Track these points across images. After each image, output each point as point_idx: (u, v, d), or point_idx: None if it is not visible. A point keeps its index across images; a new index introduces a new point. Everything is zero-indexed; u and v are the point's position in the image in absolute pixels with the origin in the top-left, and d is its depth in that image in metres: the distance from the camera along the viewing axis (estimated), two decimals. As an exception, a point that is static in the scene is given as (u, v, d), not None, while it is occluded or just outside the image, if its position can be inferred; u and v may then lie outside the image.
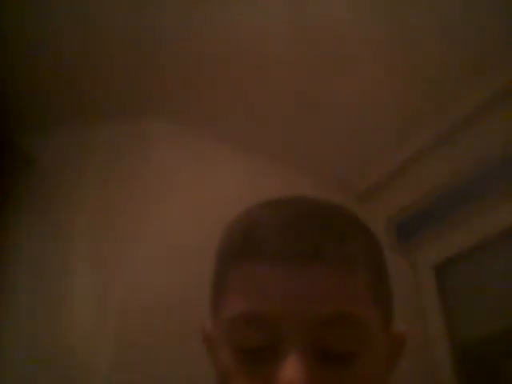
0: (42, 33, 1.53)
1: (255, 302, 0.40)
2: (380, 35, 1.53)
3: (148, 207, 1.66)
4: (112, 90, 1.73)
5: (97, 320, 1.46)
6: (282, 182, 1.89)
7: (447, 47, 1.58)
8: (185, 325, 1.33)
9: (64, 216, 1.66)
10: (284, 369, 0.37)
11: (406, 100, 1.77)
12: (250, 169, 1.96)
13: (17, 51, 1.58)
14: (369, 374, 0.40)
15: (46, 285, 1.54)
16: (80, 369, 1.38)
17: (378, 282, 0.44)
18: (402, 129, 1.91)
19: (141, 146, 1.79)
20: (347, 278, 0.41)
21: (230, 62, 1.64)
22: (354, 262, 0.41)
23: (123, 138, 1.80)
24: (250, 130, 1.92)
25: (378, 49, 1.57)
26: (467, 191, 1.72)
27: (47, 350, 1.42)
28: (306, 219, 0.42)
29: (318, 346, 0.39)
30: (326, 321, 0.39)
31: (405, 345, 0.49)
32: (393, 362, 0.48)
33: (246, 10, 1.47)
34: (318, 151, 2.02)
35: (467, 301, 1.68)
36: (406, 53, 1.60)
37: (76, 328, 1.45)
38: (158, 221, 1.65)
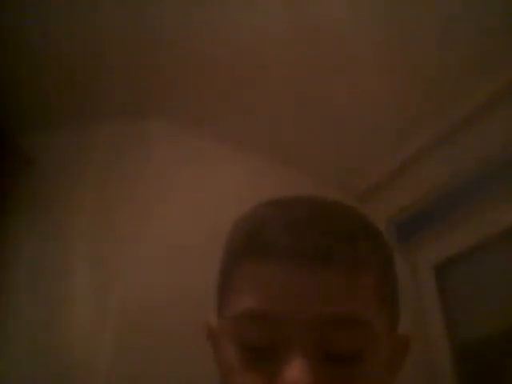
0: (42, 33, 1.53)
1: (262, 300, 0.40)
2: (380, 35, 1.53)
3: (148, 207, 1.66)
4: (112, 90, 1.73)
5: (97, 320, 1.46)
6: (282, 182, 1.89)
7: (447, 47, 1.58)
8: (185, 325, 1.34)
9: (64, 216, 1.65)
10: (289, 370, 0.37)
11: (406, 100, 1.76)
12: (250, 169, 1.96)
13: (17, 51, 1.57)
14: (373, 375, 0.40)
15: (46, 285, 1.54)
16: (80, 369, 1.38)
17: (385, 284, 0.44)
18: (401, 129, 1.91)
19: (141, 146, 1.79)
20: (355, 279, 0.40)
21: (230, 61, 1.64)
22: (362, 264, 0.41)
23: (123, 138, 1.80)
24: (249, 130, 1.92)
25: (378, 49, 1.57)
26: (467, 191, 1.72)
27: (47, 349, 1.42)
28: (312, 221, 0.42)
29: (324, 347, 0.39)
30: (333, 322, 0.39)
31: (409, 347, 0.50)
32: (397, 365, 0.48)
33: (245, 10, 1.47)
34: (318, 151, 2.01)
35: (467, 301, 1.68)
36: (406, 53, 1.60)
37: (76, 328, 1.45)
38: (158, 221, 1.65)
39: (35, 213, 1.67)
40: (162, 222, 1.66)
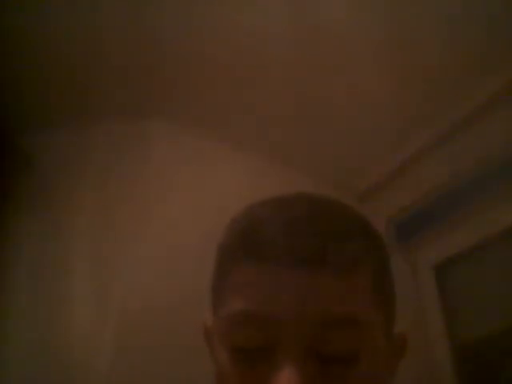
0: (43, 33, 1.53)
1: (256, 302, 0.39)
2: (380, 35, 1.53)
3: (148, 207, 1.66)
4: (112, 90, 1.73)
5: (97, 320, 1.46)
6: (282, 181, 1.89)
7: (447, 47, 1.58)
8: (184, 325, 1.34)
9: (64, 216, 1.65)
10: (279, 373, 0.36)
11: (406, 100, 1.76)
12: (250, 169, 1.96)
13: (17, 51, 1.57)
14: (370, 376, 0.40)
15: (46, 285, 1.54)
16: (80, 369, 1.38)
17: (381, 285, 0.43)
18: (401, 129, 1.91)
19: (141, 146, 1.79)
20: (349, 280, 0.40)
21: (230, 61, 1.64)
22: (356, 264, 0.41)
23: (123, 138, 1.80)
24: (250, 129, 1.92)
25: (378, 49, 1.57)
26: (467, 191, 1.72)
27: (47, 350, 1.42)
28: (308, 220, 0.41)
29: (318, 349, 0.38)
30: (327, 323, 0.38)
31: (406, 347, 0.49)
32: (394, 365, 0.48)
33: (245, 9, 1.47)
34: (318, 151, 2.02)
35: (467, 301, 1.68)
36: (406, 53, 1.60)
37: (76, 328, 1.45)
38: (158, 221, 1.65)
39: (35, 213, 1.67)
40: (161, 221, 1.66)
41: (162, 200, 1.70)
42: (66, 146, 1.80)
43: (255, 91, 1.75)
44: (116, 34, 1.54)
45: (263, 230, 0.41)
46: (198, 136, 1.89)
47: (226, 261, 0.44)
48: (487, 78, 1.67)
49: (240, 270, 0.42)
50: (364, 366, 0.39)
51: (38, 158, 1.71)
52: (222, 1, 1.45)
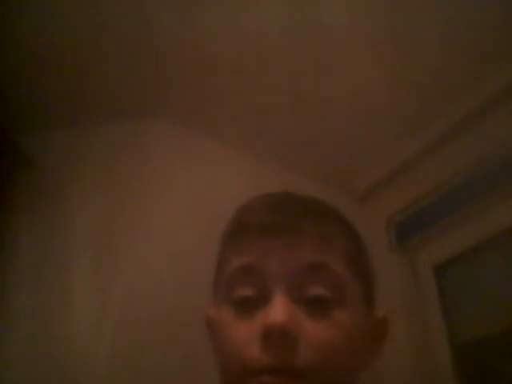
0: (43, 33, 1.53)
1: (248, 258, 0.48)
2: (380, 35, 1.53)
3: (148, 207, 1.66)
4: (112, 91, 1.73)
5: (97, 320, 1.46)
6: (282, 182, 1.89)
7: (447, 47, 1.58)
8: (184, 324, 1.34)
9: (64, 216, 1.65)
10: (271, 309, 0.44)
11: (406, 100, 1.76)
12: (250, 169, 1.96)
13: (17, 51, 1.57)
14: (343, 328, 0.46)
15: (46, 285, 1.54)
16: (80, 369, 1.38)
17: (355, 261, 0.51)
18: (401, 129, 1.91)
19: (140, 146, 1.79)
20: (327, 244, 0.49)
21: (230, 62, 1.64)
22: (330, 238, 0.49)
23: (123, 138, 1.80)
24: (250, 130, 1.92)
25: (378, 49, 1.57)
26: (467, 191, 1.72)
27: (47, 350, 1.42)
28: (290, 203, 0.52)
29: (302, 294, 0.46)
30: (305, 269, 0.47)
31: (388, 329, 0.54)
32: (376, 346, 0.53)
33: (245, 9, 1.47)
34: (318, 151, 2.02)
35: (467, 301, 1.68)
36: (406, 53, 1.60)
37: (76, 328, 1.45)
38: (158, 221, 1.65)
39: (35, 213, 1.67)
40: (161, 222, 1.66)
41: (161, 200, 1.70)
42: (65, 146, 1.80)
43: (255, 92, 1.75)
44: (116, 33, 1.54)
45: (250, 212, 0.51)
46: (198, 136, 1.89)
47: (224, 245, 0.53)
48: (487, 78, 1.67)
49: (234, 245, 0.50)
50: (337, 314, 0.46)
51: (37, 158, 1.70)
52: (221, 1, 1.45)
